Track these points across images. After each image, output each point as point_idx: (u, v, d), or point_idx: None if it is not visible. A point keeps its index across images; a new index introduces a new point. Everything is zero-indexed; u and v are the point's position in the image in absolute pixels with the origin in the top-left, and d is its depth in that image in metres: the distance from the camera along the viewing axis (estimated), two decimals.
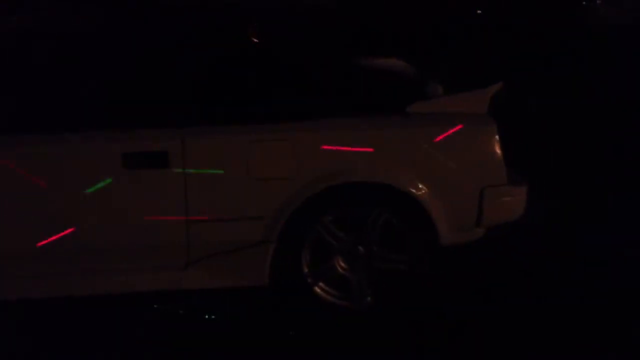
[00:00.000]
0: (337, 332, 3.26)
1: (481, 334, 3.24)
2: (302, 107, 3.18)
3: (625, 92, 7.51)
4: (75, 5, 3.46)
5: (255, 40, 3.40)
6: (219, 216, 3.12)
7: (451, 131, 3.21)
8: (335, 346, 3.16)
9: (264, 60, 3.34)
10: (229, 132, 3.11)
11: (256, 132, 3.11)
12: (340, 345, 3.17)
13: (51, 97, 3.12)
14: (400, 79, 3.72)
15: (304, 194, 3.13)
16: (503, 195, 3.28)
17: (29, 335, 3.24)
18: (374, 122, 3.22)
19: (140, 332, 3.27)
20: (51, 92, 3.13)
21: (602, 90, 7.64)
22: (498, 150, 3.24)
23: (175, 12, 3.50)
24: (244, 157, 3.09)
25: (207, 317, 3.40)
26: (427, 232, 3.24)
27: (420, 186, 3.19)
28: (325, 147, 3.13)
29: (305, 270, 3.28)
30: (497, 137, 3.23)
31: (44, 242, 3.05)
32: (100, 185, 3.00)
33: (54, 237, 3.05)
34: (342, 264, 3.34)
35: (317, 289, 3.32)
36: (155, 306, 3.44)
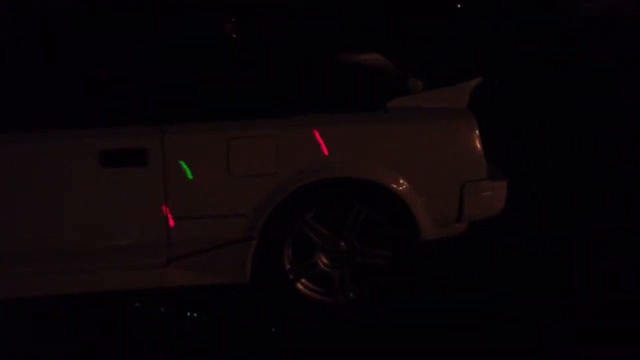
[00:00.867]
0: (320, 328, 3.27)
1: (464, 329, 3.26)
2: (282, 103, 3.18)
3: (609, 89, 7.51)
4: None
5: (234, 35, 3.38)
6: (200, 213, 3.11)
7: (431, 126, 3.22)
8: (317, 342, 3.17)
9: (243, 55, 3.32)
10: (209, 129, 3.09)
11: (236, 128, 3.09)
12: (323, 341, 3.17)
13: (24, 94, 3.06)
14: (380, 75, 3.72)
15: (285, 190, 3.12)
16: (483, 190, 3.29)
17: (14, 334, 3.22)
18: (354, 118, 3.21)
19: (121, 331, 3.25)
20: (24, 89, 3.07)
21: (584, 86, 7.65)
22: (478, 145, 3.24)
23: (155, 8, 3.46)
24: (224, 153, 3.07)
25: (189, 315, 3.39)
26: (408, 228, 3.25)
27: (401, 181, 3.19)
28: (306, 143, 3.12)
29: (287, 266, 3.28)
30: (477, 131, 3.24)
31: (21, 241, 3.02)
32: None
33: (30, 237, 3.02)
34: (324, 260, 3.34)
35: (300, 286, 3.32)
36: (136, 304, 3.43)
